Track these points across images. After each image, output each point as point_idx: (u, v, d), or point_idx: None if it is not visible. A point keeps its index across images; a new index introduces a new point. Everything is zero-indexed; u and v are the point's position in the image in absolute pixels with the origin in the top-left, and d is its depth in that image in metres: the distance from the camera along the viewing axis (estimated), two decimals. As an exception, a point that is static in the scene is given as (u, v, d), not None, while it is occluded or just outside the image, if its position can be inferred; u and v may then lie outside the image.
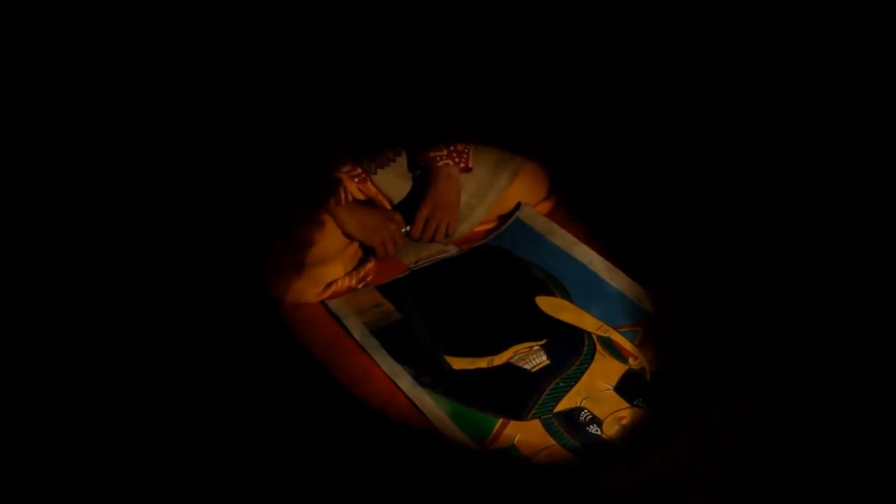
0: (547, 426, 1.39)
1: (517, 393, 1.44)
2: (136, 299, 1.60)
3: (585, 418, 1.40)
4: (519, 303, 1.62)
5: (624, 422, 1.38)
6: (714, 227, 1.70)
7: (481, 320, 1.59)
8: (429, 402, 1.43)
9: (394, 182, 1.73)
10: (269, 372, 1.48)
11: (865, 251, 1.52)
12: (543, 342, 1.53)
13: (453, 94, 1.68)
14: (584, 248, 1.71)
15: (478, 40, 1.72)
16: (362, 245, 1.70)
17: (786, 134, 1.70)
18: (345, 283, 1.65)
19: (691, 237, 1.70)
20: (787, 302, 1.52)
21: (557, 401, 1.43)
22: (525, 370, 1.48)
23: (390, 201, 1.74)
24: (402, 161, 1.75)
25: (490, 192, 1.77)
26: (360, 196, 1.70)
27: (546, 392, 1.44)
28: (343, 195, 1.62)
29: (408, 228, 1.72)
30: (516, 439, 1.37)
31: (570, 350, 1.51)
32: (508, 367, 1.49)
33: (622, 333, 1.54)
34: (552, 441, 1.37)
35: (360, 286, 1.67)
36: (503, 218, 1.81)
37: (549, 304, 1.61)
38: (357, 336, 1.56)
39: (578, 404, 1.42)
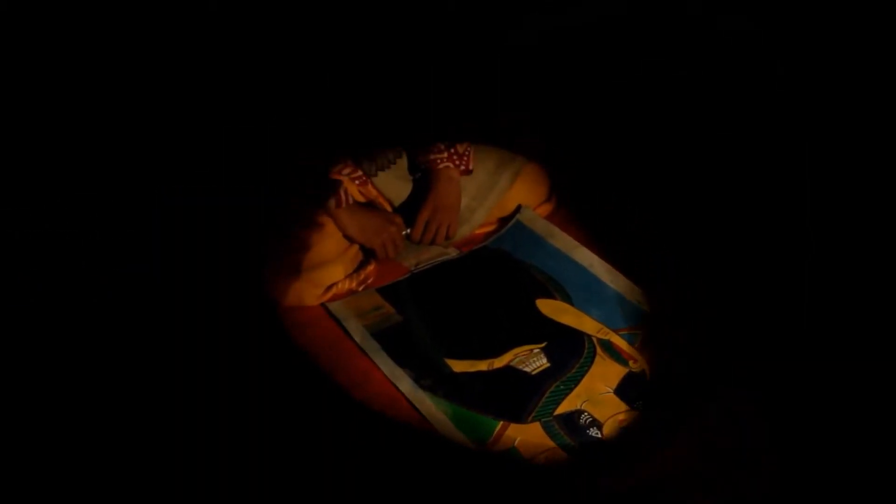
0: (547, 429, 1.39)
1: (517, 396, 1.44)
2: (136, 299, 1.60)
3: (586, 421, 1.40)
4: (519, 305, 1.62)
5: (623, 424, 1.38)
6: (714, 227, 1.70)
7: (482, 323, 1.59)
8: (429, 405, 1.43)
9: (394, 184, 1.73)
10: (269, 374, 1.48)
11: (865, 251, 1.52)
12: (544, 345, 1.53)
13: (453, 94, 1.68)
14: (585, 250, 1.71)
15: (478, 40, 1.72)
16: (363, 247, 1.70)
17: (786, 134, 1.70)
18: (345, 285, 1.65)
19: (691, 237, 1.70)
20: (786, 302, 1.52)
21: (558, 403, 1.43)
22: (525, 373, 1.48)
23: (391, 204, 1.74)
24: (403, 163, 1.74)
25: (490, 195, 1.77)
26: (361, 198, 1.70)
27: (546, 395, 1.44)
28: (343, 197, 1.62)
29: (408, 231, 1.72)
30: (517, 442, 1.37)
31: (571, 353, 1.51)
32: (509, 370, 1.49)
33: (622, 336, 1.54)
34: (552, 443, 1.37)
35: (360, 288, 1.67)
36: (503, 220, 1.81)
37: (550, 307, 1.61)
38: (357, 338, 1.56)
39: (579, 407, 1.42)
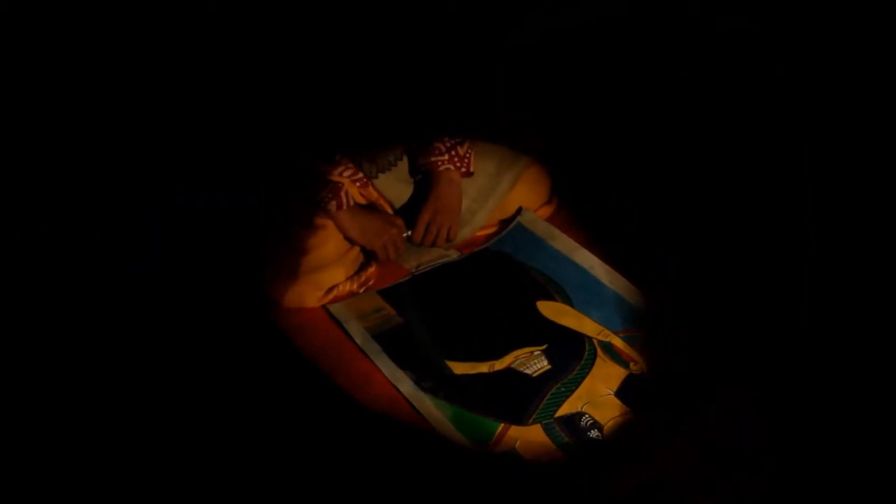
0: (548, 431, 1.39)
1: (518, 398, 1.44)
2: (136, 299, 1.60)
3: (586, 423, 1.39)
4: (520, 307, 1.62)
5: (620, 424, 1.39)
6: (714, 227, 1.70)
7: (482, 325, 1.59)
8: (430, 407, 1.43)
9: (395, 186, 1.73)
10: (269, 375, 1.48)
11: (865, 251, 1.52)
12: (544, 347, 1.53)
13: (453, 94, 1.68)
14: (585, 252, 1.70)
15: (478, 40, 1.72)
16: (363, 249, 1.70)
17: (786, 134, 1.70)
18: (346, 287, 1.65)
19: (691, 237, 1.70)
20: (786, 302, 1.52)
21: (558, 406, 1.43)
22: (526, 375, 1.48)
23: (392, 206, 1.74)
24: (404, 165, 1.74)
25: (491, 197, 1.77)
26: (362, 200, 1.70)
27: (547, 397, 1.44)
28: (344, 199, 1.62)
29: (409, 233, 1.71)
30: (517, 444, 1.37)
31: (571, 355, 1.51)
32: (509, 372, 1.49)
33: (623, 338, 1.54)
34: (553, 446, 1.36)
35: (361, 290, 1.67)
36: (504, 222, 1.81)
37: (550, 309, 1.61)
38: (358, 340, 1.56)
39: (579, 409, 1.42)
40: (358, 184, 1.66)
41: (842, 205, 1.58)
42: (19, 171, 1.63)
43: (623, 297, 1.61)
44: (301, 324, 1.60)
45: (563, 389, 1.45)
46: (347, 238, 1.65)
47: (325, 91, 1.59)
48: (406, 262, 1.73)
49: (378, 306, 1.63)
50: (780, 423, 1.34)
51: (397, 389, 1.46)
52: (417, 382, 1.47)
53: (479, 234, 1.79)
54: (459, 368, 1.50)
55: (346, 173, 1.64)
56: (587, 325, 1.57)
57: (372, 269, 1.69)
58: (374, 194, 1.71)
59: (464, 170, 1.72)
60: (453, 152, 1.70)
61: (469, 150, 1.72)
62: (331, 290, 1.63)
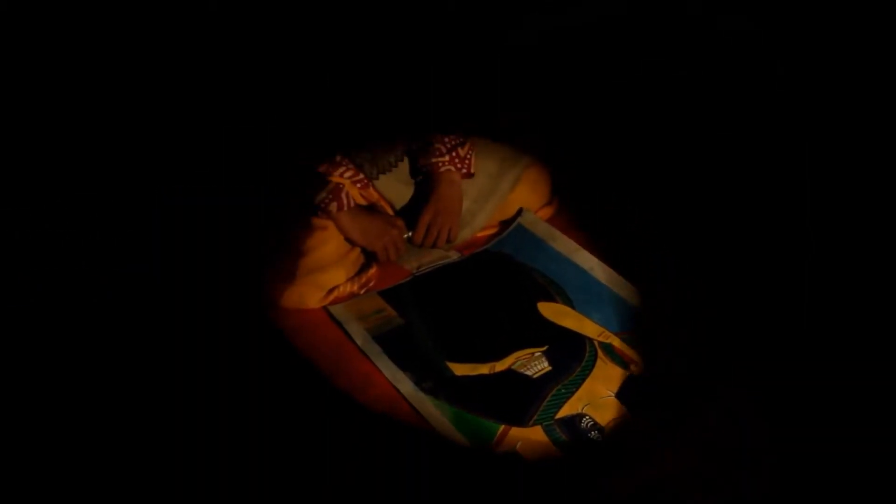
0: (548, 432, 1.39)
1: (519, 399, 1.44)
2: (136, 299, 1.60)
3: (587, 425, 1.39)
4: (520, 309, 1.62)
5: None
6: (714, 227, 1.70)
7: (483, 326, 1.59)
8: (430, 408, 1.42)
9: (396, 187, 1.73)
10: (269, 376, 1.48)
11: (865, 251, 1.52)
12: (545, 348, 1.53)
13: (453, 94, 1.68)
14: (586, 254, 1.70)
15: (478, 40, 1.72)
16: (364, 251, 1.70)
17: (786, 134, 1.70)
18: (347, 288, 1.65)
19: (691, 237, 1.70)
20: (787, 302, 1.52)
21: (559, 407, 1.42)
22: (527, 376, 1.48)
23: (392, 207, 1.74)
24: (404, 166, 1.74)
25: (492, 198, 1.77)
26: (362, 201, 1.70)
27: (548, 398, 1.44)
28: (345, 201, 1.62)
29: (410, 234, 1.71)
30: (518, 445, 1.37)
31: (572, 356, 1.51)
32: (510, 374, 1.49)
33: (623, 339, 1.54)
34: (554, 447, 1.36)
35: (362, 292, 1.67)
36: (505, 224, 1.81)
37: (551, 310, 1.61)
38: (359, 342, 1.55)
39: (580, 411, 1.42)
40: (359, 185, 1.66)
41: (842, 205, 1.58)
42: (19, 171, 1.63)
43: (623, 298, 1.61)
44: (301, 325, 1.59)
45: (563, 391, 1.44)
46: (348, 239, 1.65)
47: (325, 91, 1.59)
48: (407, 264, 1.73)
49: (379, 307, 1.63)
50: (780, 423, 1.34)
51: (398, 390, 1.46)
52: (418, 383, 1.47)
53: (479, 235, 1.79)
54: (460, 370, 1.50)
55: (347, 174, 1.64)
56: (588, 327, 1.57)
57: (373, 271, 1.69)
58: (375, 195, 1.71)
59: (464, 171, 1.72)
60: (454, 153, 1.70)
61: (470, 152, 1.72)
62: (331, 291, 1.63)
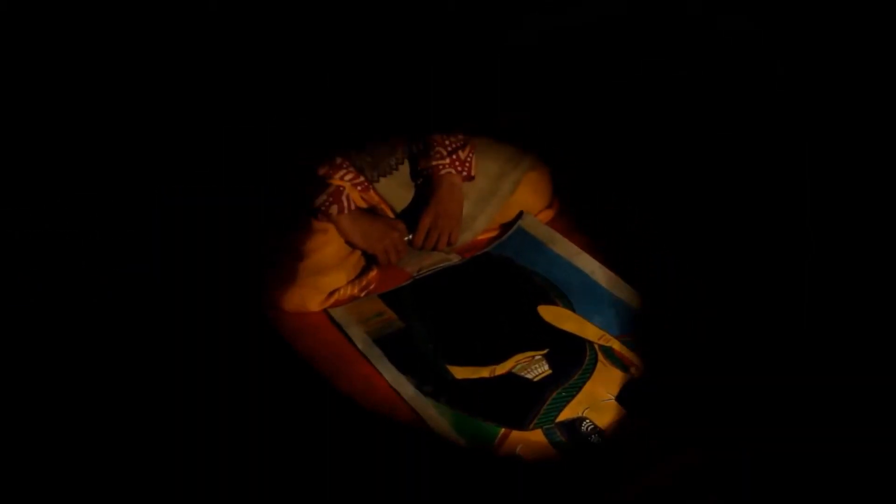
0: (549, 436, 1.39)
1: (519, 402, 1.43)
2: (136, 299, 1.60)
3: (587, 428, 1.39)
4: (521, 312, 1.62)
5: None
6: (714, 227, 1.70)
7: (483, 329, 1.58)
8: (431, 412, 1.42)
9: (396, 190, 1.73)
10: (269, 378, 1.48)
11: (865, 252, 1.52)
12: (545, 351, 1.53)
13: (453, 94, 1.68)
14: (587, 257, 1.70)
15: (478, 40, 1.72)
16: (365, 253, 1.70)
17: (785, 134, 1.70)
18: (347, 291, 1.65)
19: (691, 237, 1.70)
20: (786, 302, 1.52)
21: (559, 410, 1.42)
22: (527, 380, 1.48)
23: (393, 210, 1.74)
24: (405, 169, 1.74)
25: (492, 201, 1.77)
26: (363, 204, 1.70)
27: (548, 402, 1.43)
28: (346, 203, 1.62)
29: (410, 237, 1.71)
30: (518, 449, 1.37)
31: (572, 360, 1.51)
32: (510, 377, 1.49)
33: (624, 343, 1.54)
34: (554, 451, 1.36)
35: (362, 295, 1.67)
36: (505, 227, 1.80)
37: (551, 314, 1.61)
38: (359, 345, 1.55)
39: (580, 414, 1.42)
40: (359, 188, 1.66)
41: (842, 205, 1.58)
42: (19, 171, 1.63)
43: (624, 301, 1.61)
44: (302, 328, 1.59)
45: (564, 394, 1.44)
46: (349, 242, 1.65)
47: (325, 91, 1.59)
48: (407, 266, 1.73)
49: (379, 310, 1.63)
50: (780, 423, 1.34)
51: (398, 394, 1.46)
52: (418, 387, 1.46)
53: (480, 238, 1.79)
54: (461, 373, 1.50)
55: (348, 177, 1.64)
56: (588, 330, 1.57)
57: (373, 273, 1.69)
58: (376, 198, 1.71)
59: (465, 174, 1.72)
60: (455, 156, 1.70)
61: (470, 154, 1.72)
62: (332, 293, 1.63)
